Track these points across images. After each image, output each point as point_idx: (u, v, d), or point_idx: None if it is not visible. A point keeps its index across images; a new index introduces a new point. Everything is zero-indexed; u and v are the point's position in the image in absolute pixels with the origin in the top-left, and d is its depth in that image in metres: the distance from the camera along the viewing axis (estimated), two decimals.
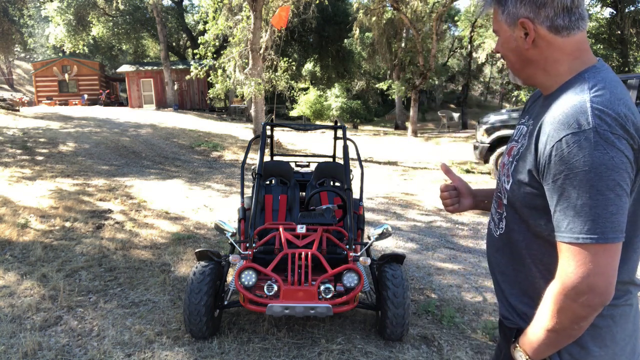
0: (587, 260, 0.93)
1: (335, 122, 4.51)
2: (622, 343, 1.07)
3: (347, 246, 3.07)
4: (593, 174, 0.91)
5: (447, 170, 1.47)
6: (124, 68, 27.08)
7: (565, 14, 1.02)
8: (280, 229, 3.11)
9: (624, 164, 0.92)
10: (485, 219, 6.04)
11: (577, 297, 0.95)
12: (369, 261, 2.86)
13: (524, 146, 1.08)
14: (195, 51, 17.56)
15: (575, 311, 0.97)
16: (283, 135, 16.52)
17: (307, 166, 4.61)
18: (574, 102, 0.97)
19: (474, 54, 25.38)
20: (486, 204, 1.43)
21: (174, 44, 31.95)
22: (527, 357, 1.08)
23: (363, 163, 4.90)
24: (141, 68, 26.64)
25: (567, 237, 0.95)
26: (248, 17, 12.72)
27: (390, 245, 5.00)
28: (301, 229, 3.13)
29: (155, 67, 26.33)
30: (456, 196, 1.45)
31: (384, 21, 21.61)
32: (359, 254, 3.04)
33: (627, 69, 19.92)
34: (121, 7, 24.12)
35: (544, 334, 1.03)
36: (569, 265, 0.96)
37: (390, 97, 25.65)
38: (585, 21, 1.06)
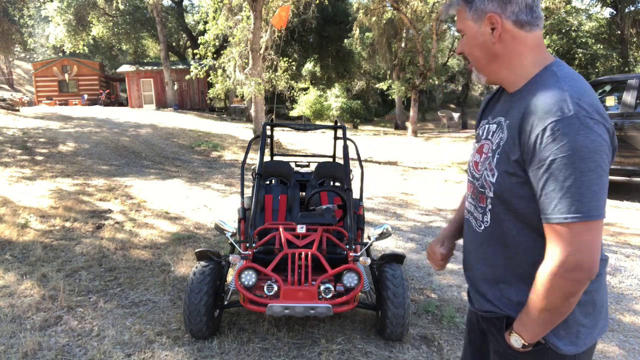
0: (574, 239, 1.00)
1: (336, 122, 4.50)
2: (601, 308, 1.18)
3: (347, 246, 3.07)
4: (577, 157, 0.98)
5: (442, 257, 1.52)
6: (124, 68, 27.08)
7: (528, 10, 1.13)
8: (280, 229, 3.10)
9: (602, 146, 1.00)
10: None
11: (566, 274, 1.02)
12: (369, 261, 2.86)
13: (504, 140, 1.14)
14: (195, 51, 17.54)
15: (565, 288, 1.03)
16: (283, 135, 16.52)
17: (307, 166, 4.60)
18: (553, 92, 1.05)
19: None
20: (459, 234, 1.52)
21: (174, 44, 31.94)
22: (523, 340, 1.15)
23: (363, 163, 4.89)
24: (141, 68, 26.64)
25: (555, 218, 1.02)
26: (248, 17, 12.72)
27: (390, 245, 5.00)
28: (301, 229, 3.13)
29: (155, 67, 26.33)
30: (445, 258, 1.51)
31: (384, 21, 21.63)
32: (359, 254, 3.04)
33: (627, 69, 19.93)
34: (121, 7, 24.11)
35: (538, 315, 1.09)
36: (558, 244, 1.02)
37: (390, 97, 25.68)
38: (542, 21, 1.17)
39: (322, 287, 2.71)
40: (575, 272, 1.01)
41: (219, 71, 13.96)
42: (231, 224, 3.29)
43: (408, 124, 20.30)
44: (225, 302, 3.11)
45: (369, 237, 3.25)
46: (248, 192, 4.04)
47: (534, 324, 1.11)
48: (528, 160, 1.06)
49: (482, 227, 1.24)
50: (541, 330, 1.12)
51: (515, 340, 1.16)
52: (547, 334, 1.13)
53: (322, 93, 28.99)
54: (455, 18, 1.24)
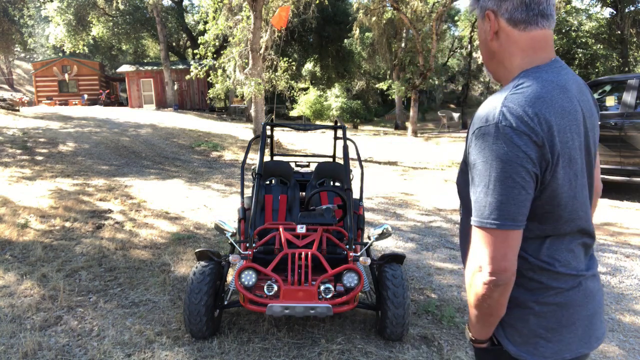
0: (481, 243, 1.04)
1: (335, 122, 4.50)
2: (571, 326, 1.14)
3: (347, 246, 3.07)
4: (489, 166, 1.00)
5: None
6: (124, 68, 27.08)
7: (523, 8, 1.09)
8: (280, 229, 3.10)
9: (519, 158, 0.98)
10: None
11: (474, 275, 1.06)
12: (369, 261, 2.86)
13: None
14: (195, 51, 17.55)
15: (476, 289, 1.07)
16: (283, 135, 16.52)
17: (307, 166, 4.60)
18: (493, 99, 1.06)
19: (474, 54, 25.40)
20: None
21: (174, 44, 31.93)
22: (470, 334, 1.19)
23: (363, 163, 4.89)
24: (141, 68, 26.64)
25: (471, 220, 1.07)
26: (248, 17, 12.71)
27: (390, 245, 5.00)
28: (301, 229, 3.13)
29: (155, 67, 26.33)
30: None
31: (384, 21, 21.62)
32: (359, 254, 3.04)
33: (627, 69, 19.92)
34: (121, 7, 24.11)
35: (471, 312, 1.14)
36: (471, 247, 1.08)
37: (390, 97, 25.67)
38: (547, 20, 1.11)
39: (322, 287, 2.71)
40: (480, 274, 1.04)
41: (219, 71, 13.96)
42: (231, 224, 3.29)
43: (408, 124, 20.30)
44: (225, 302, 3.11)
45: (369, 237, 3.25)
46: (248, 192, 4.04)
47: (472, 320, 1.15)
48: (467, 162, 1.10)
49: (460, 219, 1.32)
50: (480, 327, 1.15)
51: (467, 333, 1.21)
52: (502, 337, 1.15)
53: (322, 93, 29.01)
54: None
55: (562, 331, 1.13)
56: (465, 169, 1.16)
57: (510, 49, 1.13)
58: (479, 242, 1.04)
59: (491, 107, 1.03)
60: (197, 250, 3.12)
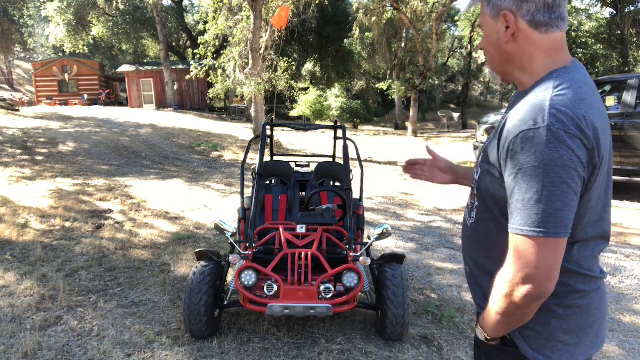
0: (528, 252, 0.98)
1: (335, 122, 4.50)
2: (587, 328, 1.13)
3: (347, 246, 3.07)
4: (542, 170, 0.94)
5: (429, 151, 1.67)
6: (124, 68, 27.09)
7: (546, 10, 1.05)
8: (280, 229, 3.10)
9: (574, 162, 0.94)
10: None
11: (516, 287, 1.01)
12: (369, 261, 2.86)
13: (491, 139, 1.12)
14: (195, 51, 17.56)
15: (515, 299, 1.02)
16: (283, 135, 16.52)
17: (307, 166, 4.60)
18: (536, 100, 1.00)
19: (474, 54, 25.40)
20: (467, 182, 1.54)
21: (174, 44, 31.94)
22: (485, 334, 1.17)
23: (363, 163, 4.89)
24: (141, 68, 26.65)
25: (514, 229, 1.01)
26: (248, 17, 12.71)
27: (390, 245, 5.00)
28: (301, 229, 3.13)
29: (155, 67, 26.33)
30: (426, 168, 1.65)
31: (384, 21, 21.63)
32: (359, 254, 3.04)
33: (627, 69, 19.92)
34: (121, 7, 24.11)
35: (494, 316, 1.10)
36: (513, 254, 1.02)
37: (390, 97, 25.68)
38: (565, 22, 1.09)
39: (322, 287, 2.71)
40: (525, 285, 0.99)
41: (219, 71, 13.96)
42: (231, 224, 3.29)
43: (408, 124, 20.30)
44: (225, 302, 3.11)
45: (369, 237, 3.26)
46: (248, 192, 4.04)
47: (492, 322, 1.12)
48: (504, 165, 1.03)
49: (470, 223, 1.25)
50: (500, 329, 1.13)
51: (480, 333, 1.19)
52: (519, 339, 1.13)
53: (322, 93, 29.01)
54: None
55: (580, 333, 1.12)
56: (490, 170, 1.11)
57: (531, 50, 1.08)
58: (526, 252, 0.98)
59: (537, 109, 0.98)
60: (197, 250, 3.12)
